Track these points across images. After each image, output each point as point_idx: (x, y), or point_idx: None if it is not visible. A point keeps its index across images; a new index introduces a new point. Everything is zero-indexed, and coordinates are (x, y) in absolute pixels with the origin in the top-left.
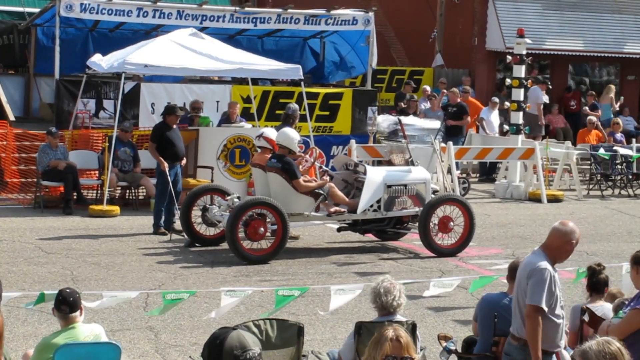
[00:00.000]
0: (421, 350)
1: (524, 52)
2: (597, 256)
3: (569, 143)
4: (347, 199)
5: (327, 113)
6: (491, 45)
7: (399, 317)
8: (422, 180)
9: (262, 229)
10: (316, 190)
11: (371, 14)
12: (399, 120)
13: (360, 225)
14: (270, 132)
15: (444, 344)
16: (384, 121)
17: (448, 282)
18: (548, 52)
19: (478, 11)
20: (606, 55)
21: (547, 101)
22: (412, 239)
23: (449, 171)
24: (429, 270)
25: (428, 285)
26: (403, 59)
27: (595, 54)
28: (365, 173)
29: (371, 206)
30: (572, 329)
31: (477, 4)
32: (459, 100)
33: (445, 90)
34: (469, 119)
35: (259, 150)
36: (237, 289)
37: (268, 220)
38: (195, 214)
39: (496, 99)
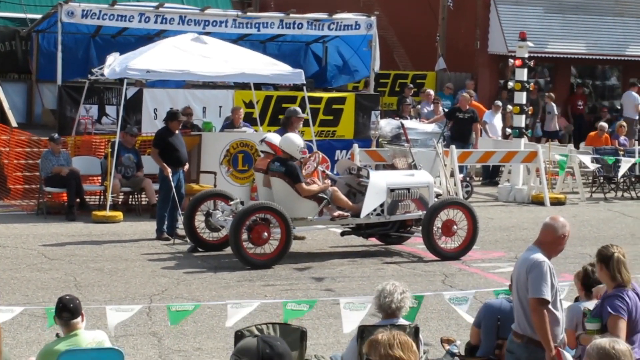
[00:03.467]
0: (424, 353)
1: (527, 55)
2: None
3: (571, 146)
4: (350, 203)
5: (330, 117)
6: (493, 49)
7: (401, 321)
8: (425, 183)
9: (265, 233)
10: (319, 195)
11: (373, 18)
12: (402, 124)
13: (364, 229)
14: (273, 137)
15: (447, 347)
16: (387, 125)
17: (462, 296)
18: (550, 55)
19: (480, 15)
20: (609, 58)
21: None
22: (415, 243)
23: (452, 175)
24: (433, 274)
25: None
26: (406, 63)
27: (598, 57)
28: (368, 177)
29: (374, 210)
30: (570, 327)
31: (479, 7)
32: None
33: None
34: (479, 126)
35: (261, 155)
36: (243, 301)
37: (271, 224)
38: (199, 219)
39: (499, 103)
